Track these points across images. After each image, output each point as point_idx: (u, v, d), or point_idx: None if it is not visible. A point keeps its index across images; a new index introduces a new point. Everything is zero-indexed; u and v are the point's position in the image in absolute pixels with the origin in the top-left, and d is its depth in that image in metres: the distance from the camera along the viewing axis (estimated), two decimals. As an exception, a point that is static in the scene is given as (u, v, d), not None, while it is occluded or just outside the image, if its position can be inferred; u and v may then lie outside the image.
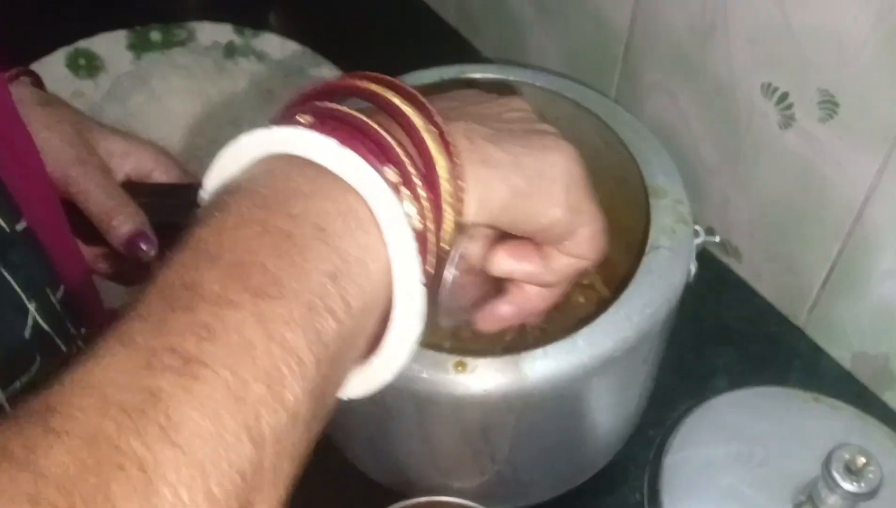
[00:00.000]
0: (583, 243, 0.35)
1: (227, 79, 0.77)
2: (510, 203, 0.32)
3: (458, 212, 0.30)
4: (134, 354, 0.23)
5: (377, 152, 0.28)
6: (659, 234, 0.49)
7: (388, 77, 0.32)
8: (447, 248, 0.31)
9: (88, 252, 0.54)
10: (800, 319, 0.70)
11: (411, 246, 0.28)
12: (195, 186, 0.55)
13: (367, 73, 0.32)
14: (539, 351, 0.45)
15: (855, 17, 0.54)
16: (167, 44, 0.85)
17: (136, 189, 0.54)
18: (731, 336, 0.70)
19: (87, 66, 0.83)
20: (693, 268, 0.51)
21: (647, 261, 0.48)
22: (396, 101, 0.30)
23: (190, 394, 0.23)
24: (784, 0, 0.58)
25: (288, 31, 0.93)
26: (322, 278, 0.26)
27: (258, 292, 0.25)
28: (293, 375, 0.24)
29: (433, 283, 0.30)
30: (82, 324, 0.47)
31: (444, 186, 0.29)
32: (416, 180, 0.28)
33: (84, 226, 0.52)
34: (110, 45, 0.84)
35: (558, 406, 0.48)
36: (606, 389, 0.48)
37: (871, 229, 0.60)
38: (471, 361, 0.44)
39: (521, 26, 0.85)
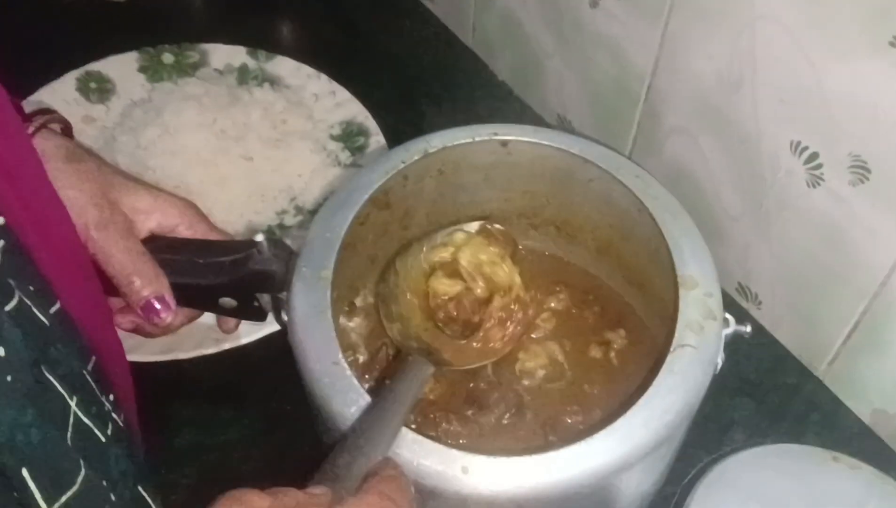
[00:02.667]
0: None
1: (240, 109, 0.75)
2: None
3: None
4: None
5: None
6: (685, 330, 0.47)
7: None
8: None
9: (111, 304, 0.54)
10: (819, 370, 0.69)
11: None
12: (218, 242, 0.55)
13: None
14: (551, 454, 0.42)
15: (894, 90, 0.52)
16: (179, 66, 0.83)
17: (159, 244, 0.53)
18: (748, 386, 0.69)
19: (99, 89, 0.81)
20: (720, 361, 0.49)
21: (670, 360, 0.46)
22: None
23: None
24: (816, 62, 0.56)
25: (300, 49, 0.92)
26: None
27: None
28: None
29: None
30: (110, 391, 0.46)
31: None
32: None
33: (106, 279, 0.52)
34: (122, 68, 0.82)
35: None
36: (622, 487, 0.46)
37: (897, 294, 0.59)
38: (478, 462, 0.42)
39: (538, 53, 0.83)
